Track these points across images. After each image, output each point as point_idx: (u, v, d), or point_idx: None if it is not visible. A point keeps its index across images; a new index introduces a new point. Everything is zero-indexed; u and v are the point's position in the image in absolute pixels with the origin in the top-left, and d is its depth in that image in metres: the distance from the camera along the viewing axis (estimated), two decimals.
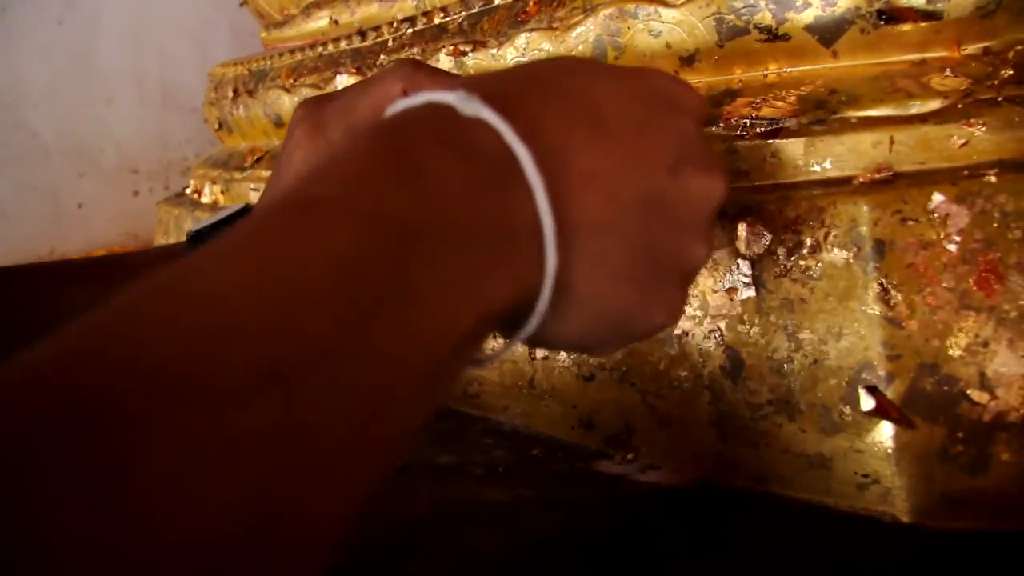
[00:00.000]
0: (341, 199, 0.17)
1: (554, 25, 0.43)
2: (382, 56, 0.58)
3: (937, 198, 0.31)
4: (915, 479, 0.31)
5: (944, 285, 0.31)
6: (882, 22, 0.34)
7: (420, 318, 0.17)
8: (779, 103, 0.36)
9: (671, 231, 0.23)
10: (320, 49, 0.67)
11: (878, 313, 0.31)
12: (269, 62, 0.74)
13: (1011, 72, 0.32)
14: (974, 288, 0.30)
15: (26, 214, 1.08)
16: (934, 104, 0.33)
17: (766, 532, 0.31)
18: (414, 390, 0.17)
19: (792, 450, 0.33)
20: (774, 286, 0.34)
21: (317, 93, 0.64)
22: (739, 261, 0.34)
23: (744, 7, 0.36)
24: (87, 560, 0.11)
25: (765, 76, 0.38)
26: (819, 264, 0.32)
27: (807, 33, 0.36)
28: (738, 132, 0.36)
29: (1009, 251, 0.30)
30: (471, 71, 0.50)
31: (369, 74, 0.58)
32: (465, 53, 0.49)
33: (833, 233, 0.32)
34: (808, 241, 0.33)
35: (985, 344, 0.30)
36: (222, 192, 0.77)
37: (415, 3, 0.58)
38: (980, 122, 0.31)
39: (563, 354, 0.41)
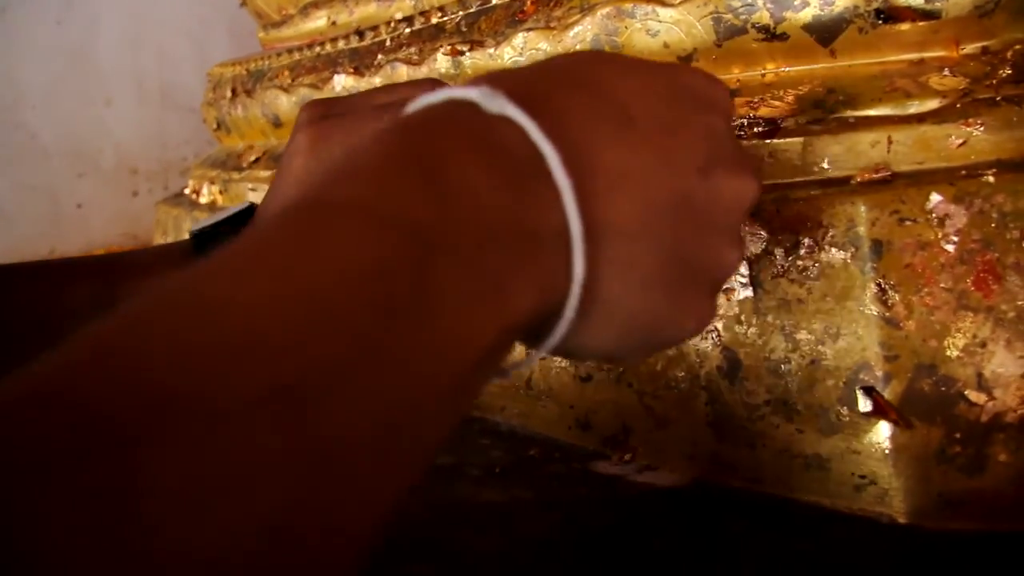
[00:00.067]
0: (361, 203, 0.16)
1: (551, 25, 0.43)
2: (379, 56, 0.58)
3: (935, 198, 0.31)
4: (912, 480, 0.30)
5: (942, 285, 0.30)
6: (880, 21, 0.34)
7: (442, 330, 0.16)
8: (777, 103, 0.36)
9: (702, 235, 0.22)
10: (318, 49, 0.66)
11: (876, 313, 0.31)
12: (267, 62, 0.74)
13: (1009, 72, 0.32)
14: (972, 288, 0.30)
15: (25, 214, 1.08)
16: (932, 104, 0.33)
17: (763, 533, 0.31)
18: (436, 405, 0.16)
19: (789, 451, 0.33)
20: (771, 286, 0.33)
21: (315, 93, 0.64)
22: None
23: (742, 6, 0.36)
24: None
25: (763, 76, 0.38)
26: (816, 264, 0.32)
27: (805, 32, 0.35)
28: (736, 132, 0.36)
29: (1007, 251, 0.30)
30: (468, 71, 0.50)
31: (367, 74, 0.58)
32: (462, 53, 0.49)
33: (831, 233, 0.32)
34: (806, 241, 0.33)
35: (983, 345, 0.30)
36: (220, 192, 0.77)
37: (413, 3, 0.58)
38: (978, 122, 0.31)
39: None
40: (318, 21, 0.70)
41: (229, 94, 0.78)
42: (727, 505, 0.33)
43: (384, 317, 0.15)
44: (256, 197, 0.70)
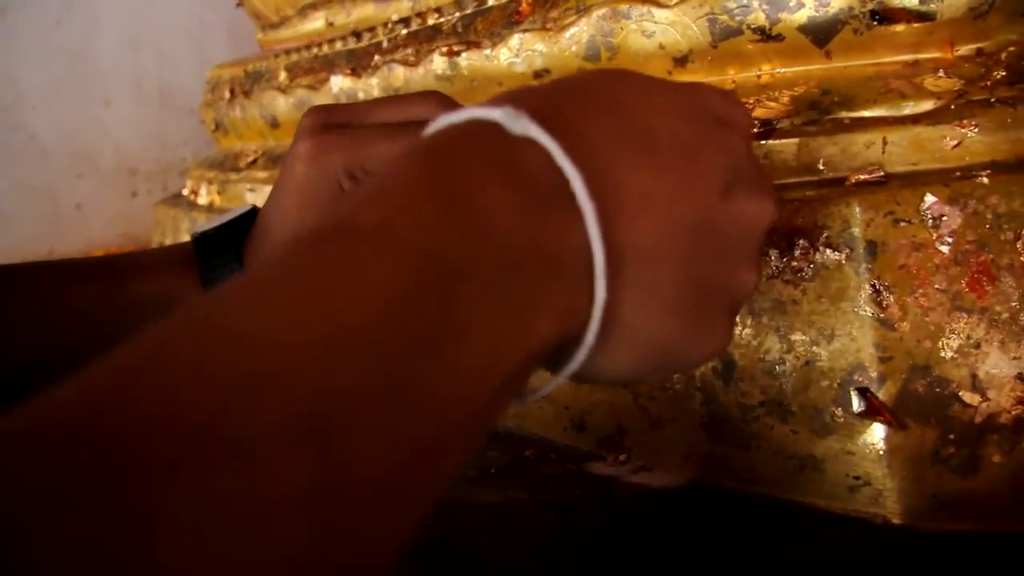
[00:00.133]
0: (385, 230, 0.16)
1: (547, 26, 0.43)
2: (376, 57, 0.58)
3: (930, 199, 0.31)
4: (906, 481, 0.30)
5: (936, 286, 0.31)
6: (875, 23, 0.34)
7: (465, 359, 0.16)
8: (772, 104, 0.36)
9: (721, 257, 0.22)
10: (315, 50, 0.67)
11: (870, 314, 0.31)
12: (265, 63, 0.74)
13: (1004, 73, 0.32)
14: (966, 290, 0.30)
15: (25, 215, 1.08)
16: (927, 105, 0.33)
17: (757, 533, 0.31)
18: (458, 432, 0.16)
19: (784, 452, 0.33)
20: (766, 287, 0.33)
21: (312, 94, 0.64)
22: None
23: (737, 7, 0.36)
24: None
25: (758, 77, 0.38)
26: (811, 265, 0.32)
27: (800, 34, 0.36)
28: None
29: (1001, 252, 0.30)
30: (465, 72, 0.50)
31: (363, 75, 0.58)
32: (458, 54, 0.49)
33: (825, 234, 0.32)
34: (800, 242, 0.33)
35: (977, 346, 0.30)
36: (218, 193, 0.77)
37: (410, 4, 0.58)
38: (973, 123, 0.31)
39: None
40: (316, 22, 0.70)
41: (227, 95, 0.78)
42: (722, 506, 0.33)
43: (408, 347, 0.15)
44: (254, 197, 0.70)
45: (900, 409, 0.31)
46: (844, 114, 0.34)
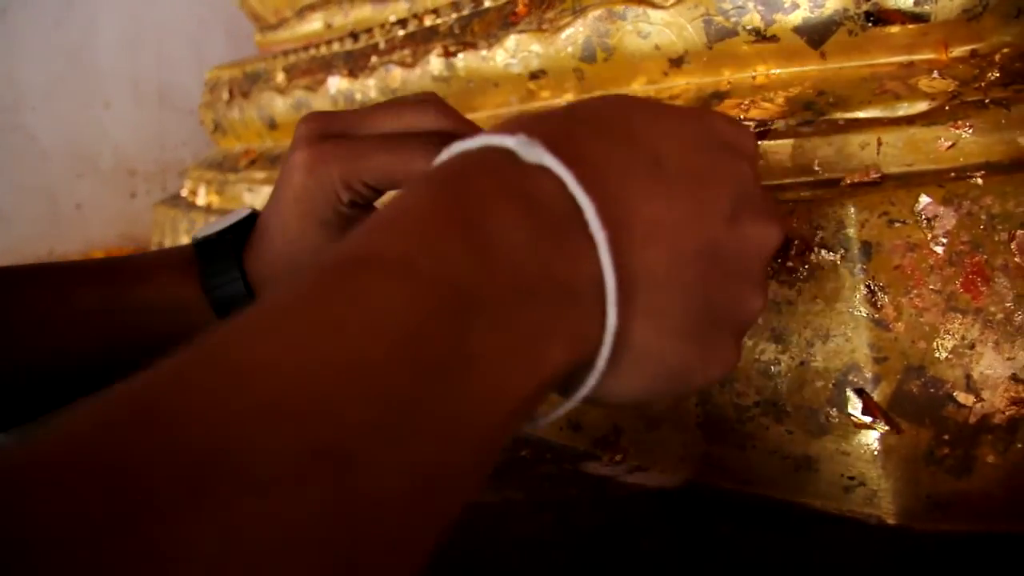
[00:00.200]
0: (402, 262, 0.16)
1: (543, 27, 0.43)
2: (373, 58, 0.58)
3: (924, 200, 0.31)
4: (901, 481, 0.30)
5: (931, 287, 0.31)
6: (870, 24, 0.34)
7: (479, 387, 0.16)
8: (767, 104, 0.36)
9: (728, 282, 0.22)
10: (313, 51, 0.67)
11: (865, 315, 0.31)
12: (263, 65, 0.75)
13: (998, 74, 0.32)
14: (961, 290, 0.30)
15: (24, 215, 1.08)
16: (922, 106, 0.33)
17: (752, 534, 0.31)
18: (471, 459, 0.16)
19: (779, 452, 0.33)
20: None
21: (310, 95, 0.64)
22: None
23: (732, 8, 0.36)
24: None
25: (754, 78, 0.38)
26: (806, 266, 0.32)
27: (795, 35, 0.36)
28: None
29: (996, 253, 0.30)
30: (461, 73, 0.50)
31: (360, 76, 0.58)
32: (455, 55, 0.50)
33: (820, 235, 0.32)
34: (795, 243, 0.33)
35: (971, 346, 0.30)
36: (217, 193, 0.77)
37: (408, 5, 0.58)
38: (967, 124, 0.31)
39: None
40: (314, 24, 0.70)
41: (226, 96, 0.78)
42: (717, 506, 0.34)
43: (423, 378, 0.15)
44: (252, 198, 0.70)
45: (895, 410, 0.31)
46: (839, 115, 0.34)
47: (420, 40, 0.54)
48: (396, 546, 0.14)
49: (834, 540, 0.30)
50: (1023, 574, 0.28)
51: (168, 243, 0.83)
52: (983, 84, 0.32)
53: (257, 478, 0.12)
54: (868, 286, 0.31)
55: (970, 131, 0.31)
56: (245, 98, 0.74)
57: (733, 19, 0.37)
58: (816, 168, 0.34)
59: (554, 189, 0.19)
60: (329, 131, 0.32)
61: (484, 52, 0.48)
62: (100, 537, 0.11)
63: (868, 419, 0.31)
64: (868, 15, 0.34)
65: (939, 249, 0.30)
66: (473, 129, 0.32)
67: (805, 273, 0.32)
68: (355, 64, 0.60)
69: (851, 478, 0.31)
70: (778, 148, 0.34)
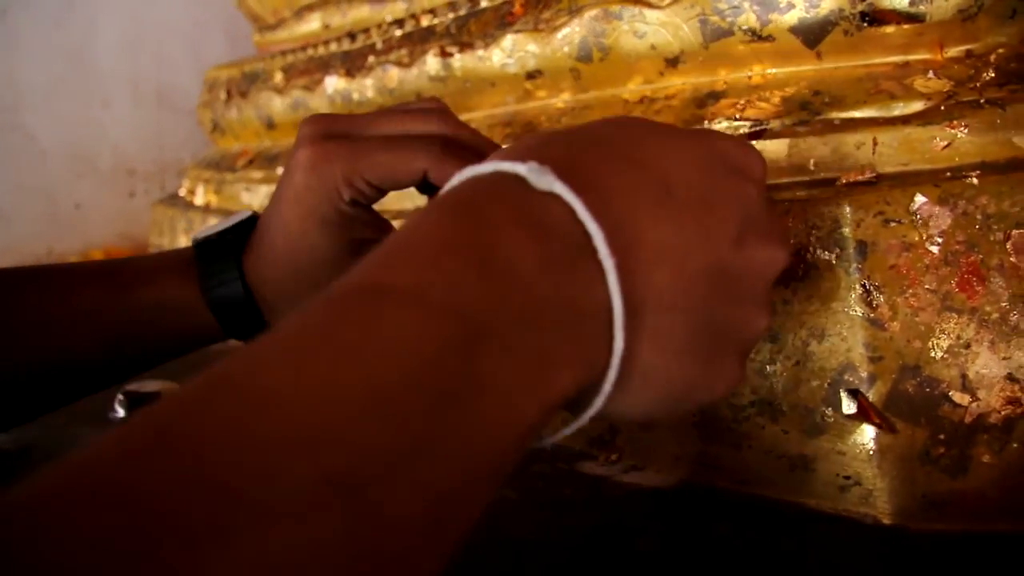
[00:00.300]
0: (414, 290, 0.17)
1: (540, 27, 0.43)
2: (371, 58, 0.58)
3: (919, 199, 0.31)
4: (896, 481, 0.30)
5: (926, 287, 0.31)
6: (865, 24, 0.34)
7: (489, 413, 0.16)
8: (763, 104, 0.36)
9: (733, 303, 0.22)
10: (310, 51, 0.67)
11: (860, 314, 0.31)
12: (261, 65, 0.75)
13: (993, 75, 0.32)
14: (956, 290, 0.30)
15: (23, 214, 1.08)
16: (917, 106, 0.33)
17: (747, 533, 0.31)
18: (482, 482, 0.16)
19: (774, 451, 0.33)
20: None
21: (307, 95, 0.64)
22: None
23: (728, 8, 0.36)
24: None
25: (749, 78, 0.38)
26: (802, 265, 0.32)
27: (791, 35, 0.36)
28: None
29: (991, 253, 0.30)
30: (458, 73, 0.50)
31: (357, 76, 0.58)
32: (451, 55, 0.50)
33: (816, 234, 0.32)
34: (791, 242, 0.33)
35: (967, 346, 0.30)
36: (215, 193, 0.77)
37: (405, 5, 0.58)
38: (962, 124, 0.31)
39: None
40: (312, 24, 0.70)
41: (224, 96, 0.78)
42: (713, 506, 0.33)
43: (435, 404, 0.15)
44: (250, 197, 0.70)
45: (890, 409, 0.31)
46: (834, 115, 0.34)
47: (417, 40, 0.54)
48: (412, 566, 0.15)
49: (830, 539, 0.30)
50: (1018, 574, 0.28)
51: (166, 243, 0.83)
52: (978, 84, 0.32)
53: (276, 507, 0.13)
54: (864, 286, 0.31)
55: (965, 131, 0.31)
56: (243, 98, 0.74)
57: (729, 19, 0.37)
58: (812, 168, 0.34)
59: (564, 216, 0.19)
60: (332, 132, 0.32)
61: (481, 52, 0.48)
62: (122, 566, 0.11)
63: (862, 418, 0.31)
64: (864, 15, 0.34)
65: (934, 249, 0.30)
66: (475, 137, 0.33)
67: (800, 272, 0.32)
68: (352, 64, 0.60)
69: (847, 477, 0.31)
70: (774, 148, 0.34)
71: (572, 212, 0.19)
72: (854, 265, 0.31)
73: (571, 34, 0.42)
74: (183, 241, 0.78)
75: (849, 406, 0.31)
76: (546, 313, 0.18)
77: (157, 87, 1.18)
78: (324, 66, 0.63)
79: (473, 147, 0.32)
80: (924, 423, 0.30)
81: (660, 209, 0.21)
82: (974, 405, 0.30)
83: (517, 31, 0.45)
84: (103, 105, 1.14)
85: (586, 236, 0.19)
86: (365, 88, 0.58)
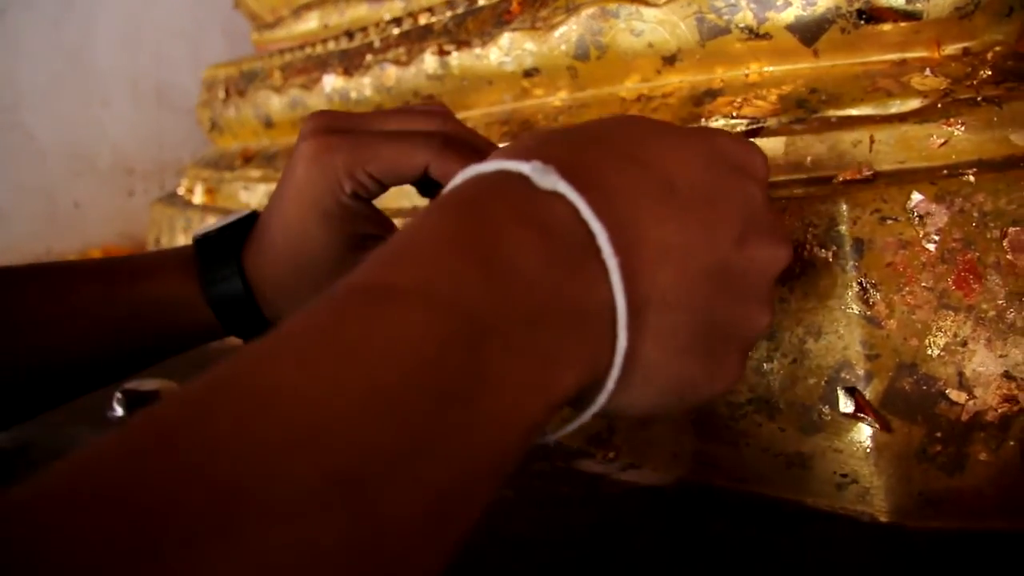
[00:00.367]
0: (418, 289, 0.17)
1: (537, 25, 0.43)
2: (368, 56, 0.58)
3: (916, 197, 0.31)
4: (893, 479, 0.30)
5: (923, 284, 0.31)
6: (862, 22, 0.34)
7: (492, 412, 0.16)
8: (760, 102, 0.36)
9: (735, 301, 0.22)
10: (308, 50, 0.67)
11: (857, 312, 0.31)
12: (260, 63, 0.75)
13: (990, 72, 0.32)
14: (953, 287, 0.30)
15: (22, 214, 1.08)
16: (914, 104, 0.33)
17: (744, 531, 0.31)
18: (485, 480, 0.17)
19: (771, 449, 0.33)
20: None
21: (305, 94, 0.64)
22: None
23: (725, 6, 0.36)
24: None
25: (746, 76, 0.38)
26: (798, 263, 0.32)
27: (788, 32, 0.36)
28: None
29: (987, 251, 0.30)
30: (455, 71, 0.50)
31: (355, 75, 0.58)
32: (449, 53, 0.50)
33: (813, 232, 0.32)
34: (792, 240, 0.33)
35: (964, 343, 0.30)
36: (213, 192, 0.77)
37: (403, 4, 0.58)
38: (959, 122, 0.31)
39: None
40: (310, 23, 0.70)
41: (222, 95, 0.78)
42: (710, 503, 0.33)
43: (439, 403, 0.15)
44: (248, 196, 0.70)
45: (887, 407, 0.31)
46: (831, 112, 0.34)
47: (415, 38, 0.54)
48: (413, 566, 0.15)
49: (826, 537, 0.30)
50: (1015, 572, 0.28)
51: (165, 241, 0.83)
52: (975, 82, 0.32)
53: (281, 507, 0.13)
54: (860, 283, 0.31)
55: (962, 128, 0.31)
56: (241, 97, 0.74)
57: (726, 17, 0.37)
58: (808, 165, 0.34)
59: (567, 215, 0.19)
60: (336, 126, 0.32)
61: (478, 50, 0.48)
62: (123, 567, 0.11)
63: (859, 415, 0.31)
64: (861, 13, 0.34)
65: (931, 246, 0.30)
66: (475, 138, 0.33)
67: (797, 270, 0.32)
68: (350, 62, 0.60)
69: (844, 475, 0.31)
70: (771, 146, 0.34)
71: (575, 211, 0.19)
72: (851, 263, 0.31)
73: (568, 32, 0.42)
74: (182, 240, 0.78)
75: (847, 404, 0.31)
76: (550, 312, 0.18)
77: (156, 86, 1.18)
78: (322, 65, 0.63)
79: (474, 145, 0.32)
80: (921, 421, 0.30)
81: (663, 208, 0.21)
82: (971, 403, 0.30)
83: (514, 29, 0.45)
84: (102, 104, 1.14)
85: (589, 235, 0.19)
86: (363, 87, 0.58)
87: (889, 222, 0.31)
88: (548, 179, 0.19)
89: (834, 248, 0.32)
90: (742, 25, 0.36)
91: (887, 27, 0.34)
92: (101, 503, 0.12)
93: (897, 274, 0.31)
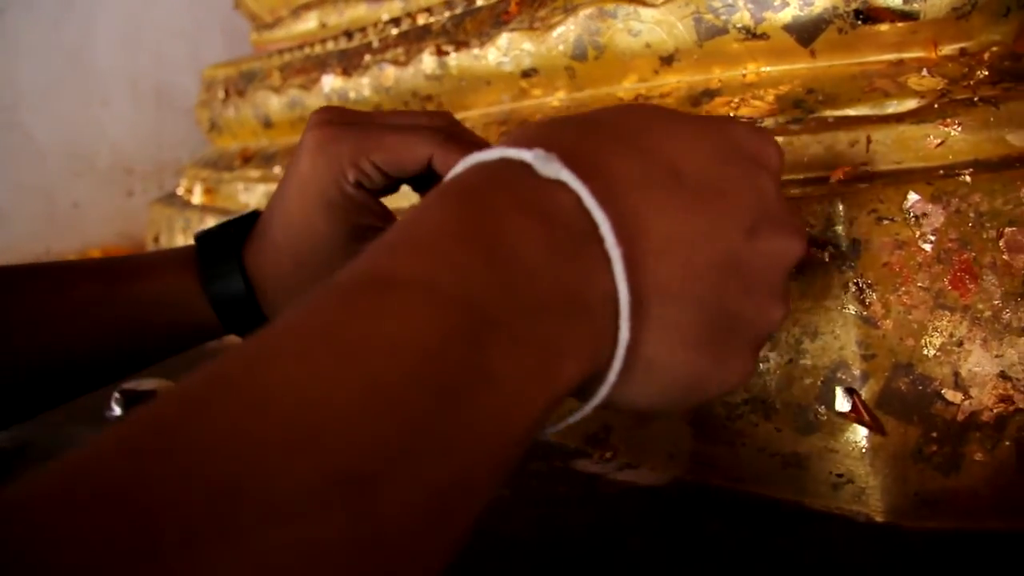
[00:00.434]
0: (420, 280, 0.16)
1: (535, 25, 0.43)
2: (367, 56, 0.58)
3: (913, 197, 0.31)
4: (889, 479, 0.30)
5: (919, 284, 0.31)
6: (859, 22, 0.34)
7: (495, 406, 0.16)
8: (757, 102, 0.36)
9: (745, 294, 0.22)
10: (307, 50, 0.67)
11: (853, 312, 0.31)
12: (259, 64, 0.75)
13: (986, 73, 0.32)
14: (949, 288, 0.30)
15: (21, 213, 1.08)
16: (911, 104, 0.33)
17: (741, 531, 0.31)
18: (486, 475, 0.16)
19: (768, 449, 0.33)
20: None
21: (304, 94, 0.64)
22: None
23: (723, 7, 0.36)
24: None
25: (744, 76, 0.38)
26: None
27: (785, 32, 0.36)
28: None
29: (984, 251, 0.30)
30: (454, 72, 0.50)
31: (354, 75, 0.58)
32: (447, 53, 0.50)
33: (809, 232, 0.32)
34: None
35: (959, 344, 0.30)
36: (212, 192, 0.77)
37: (402, 4, 0.58)
38: (956, 122, 0.31)
39: None
40: (309, 23, 0.70)
41: (221, 95, 0.79)
42: (706, 503, 0.34)
43: (441, 397, 0.15)
44: (247, 196, 0.70)
45: (883, 407, 0.31)
46: (828, 113, 0.34)
47: (413, 39, 0.54)
48: (415, 562, 0.15)
49: (823, 537, 0.30)
50: (1010, 571, 0.28)
51: (164, 241, 0.83)
52: (972, 82, 0.32)
53: (280, 506, 0.12)
54: (856, 283, 0.31)
55: (959, 129, 0.31)
56: (241, 97, 0.74)
57: (723, 17, 0.37)
58: (805, 165, 0.34)
59: (570, 204, 0.19)
60: (341, 119, 0.32)
61: (476, 50, 0.48)
62: (122, 566, 0.11)
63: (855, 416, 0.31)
64: (858, 13, 0.34)
65: (927, 246, 0.30)
66: (477, 139, 0.33)
67: (794, 270, 0.32)
68: (349, 63, 0.60)
69: (840, 475, 0.31)
70: None
71: (578, 200, 0.19)
72: (847, 263, 0.31)
73: (566, 32, 0.42)
74: (181, 240, 0.78)
75: (843, 403, 0.31)
76: (552, 302, 0.18)
77: (155, 86, 1.18)
78: (321, 65, 0.63)
79: (477, 142, 0.32)
80: (917, 421, 0.30)
81: (669, 197, 0.20)
82: (967, 403, 0.30)
83: (512, 29, 0.45)
84: (101, 104, 1.14)
85: (592, 224, 0.19)
86: (362, 87, 0.58)
87: (885, 222, 0.31)
88: (550, 167, 0.19)
89: (830, 248, 0.32)
90: (739, 25, 0.36)
91: (884, 27, 0.34)
92: (99, 503, 0.12)
93: (893, 274, 0.31)
